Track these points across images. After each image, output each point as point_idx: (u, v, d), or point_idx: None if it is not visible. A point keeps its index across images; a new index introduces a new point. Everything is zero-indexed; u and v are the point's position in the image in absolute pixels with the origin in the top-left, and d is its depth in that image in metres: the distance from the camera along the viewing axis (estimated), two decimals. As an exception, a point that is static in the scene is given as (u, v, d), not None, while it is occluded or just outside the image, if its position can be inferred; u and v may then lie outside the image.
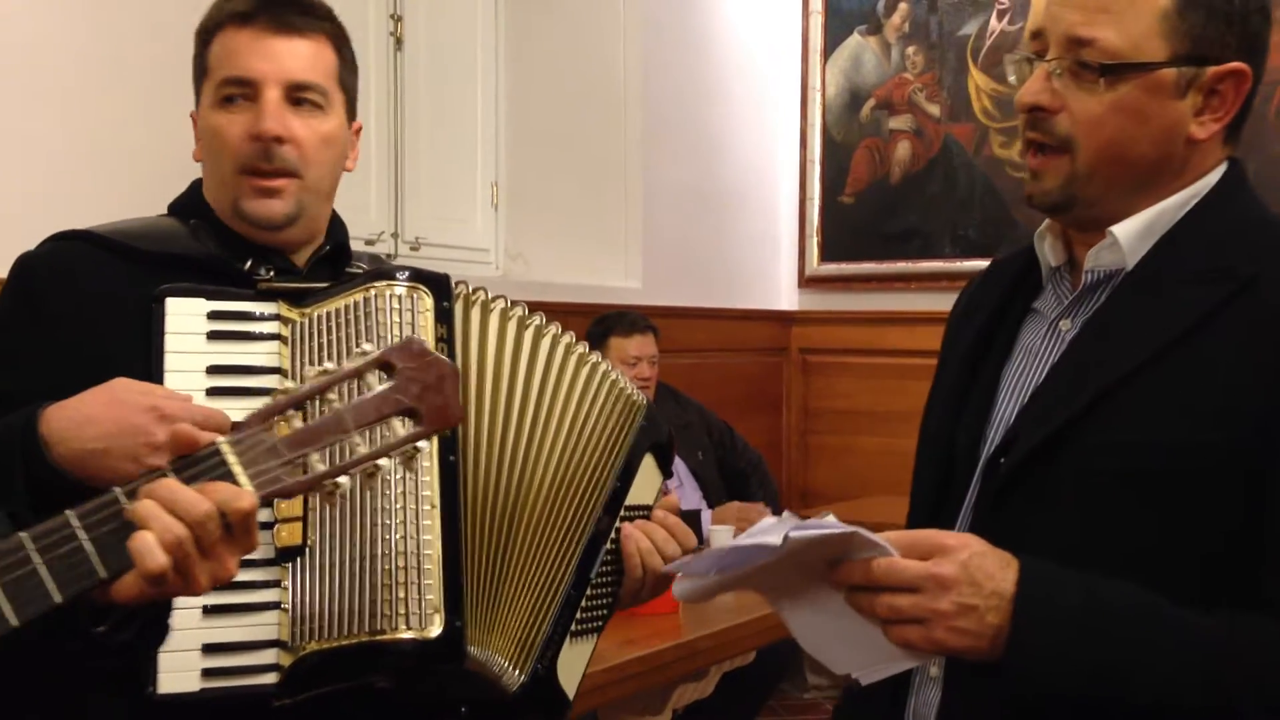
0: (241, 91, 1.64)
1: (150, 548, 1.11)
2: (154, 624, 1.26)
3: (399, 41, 4.51)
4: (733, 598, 3.41)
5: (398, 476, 1.49)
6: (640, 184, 5.09)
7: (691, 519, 3.95)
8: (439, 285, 1.60)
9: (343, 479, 1.16)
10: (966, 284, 1.73)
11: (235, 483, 1.15)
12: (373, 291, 1.56)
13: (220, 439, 1.16)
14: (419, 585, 1.46)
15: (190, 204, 1.73)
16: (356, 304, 1.56)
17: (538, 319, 1.73)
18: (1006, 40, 5.34)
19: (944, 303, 1.85)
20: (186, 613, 1.45)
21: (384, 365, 1.17)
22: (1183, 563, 1.32)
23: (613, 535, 1.72)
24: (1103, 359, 1.39)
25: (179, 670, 1.44)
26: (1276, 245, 1.39)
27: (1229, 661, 1.27)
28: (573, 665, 1.69)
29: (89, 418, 1.43)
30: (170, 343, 1.53)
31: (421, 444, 1.18)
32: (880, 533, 1.30)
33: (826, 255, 5.85)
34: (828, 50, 5.80)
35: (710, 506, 4.21)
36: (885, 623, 1.30)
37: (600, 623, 1.75)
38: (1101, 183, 1.42)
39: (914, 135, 5.60)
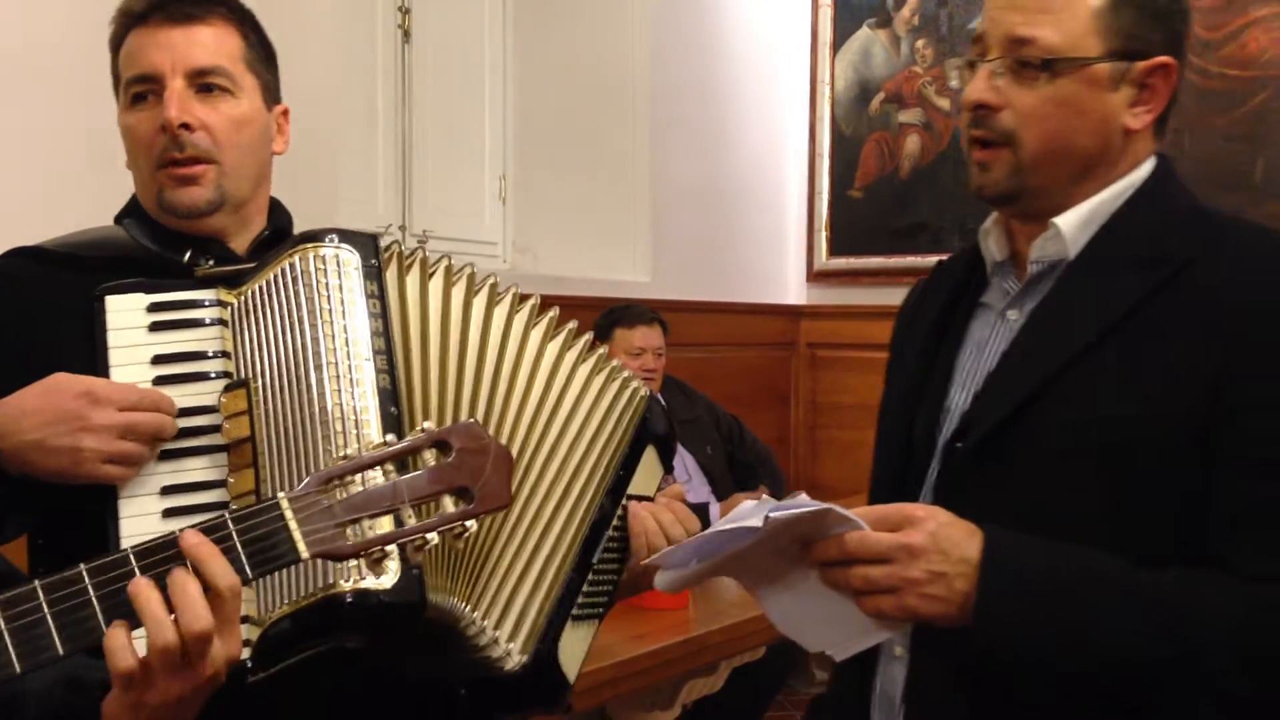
0: (148, 88, 1.65)
1: (123, 647, 1.12)
2: None
3: (407, 34, 4.50)
4: (743, 593, 3.41)
5: (337, 430, 1.49)
6: (649, 177, 5.08)
7: (700, 512, 3.95)
8: (365, 244, 1.61)
9: (390, 548, 1.20)
10: (913, 286, 1.82)
11: (290, 538, 1.18)
12: (297, 256, 1.58)
13: (281, 495, 1.19)
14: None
15: (129, 210, 1.75)
16: (284, 270, 1.57)
17: (490, 282, 1.73)
18: (1016, 33, 5.32)
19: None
20: None
21: (440, 443, 1.23)
22: (1135, 529, 1.40)
23: (615, 523, 1.73)
24: (1051, 343, 1.48)
25: None
26: (1209, 231, 1.48)
27: (1184, 613, 1.34)
28: (574, 649, 1.70)
29: (25, 410, 1.46)
30: (113, 338, 1.55)
31: (470, 524, 1.22)
32: (851, 508, 1.36)
33: (835, 249, 5.83)
34: (837, 43, 5.79)
35: (719, 500, 4.20)
36: (859, 594, 1.36)
37: (602, 609, 1.76)
38: (1046, 172, 1.51)
39: (923, 129, 5.58)
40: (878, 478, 1.69)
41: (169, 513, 1.49)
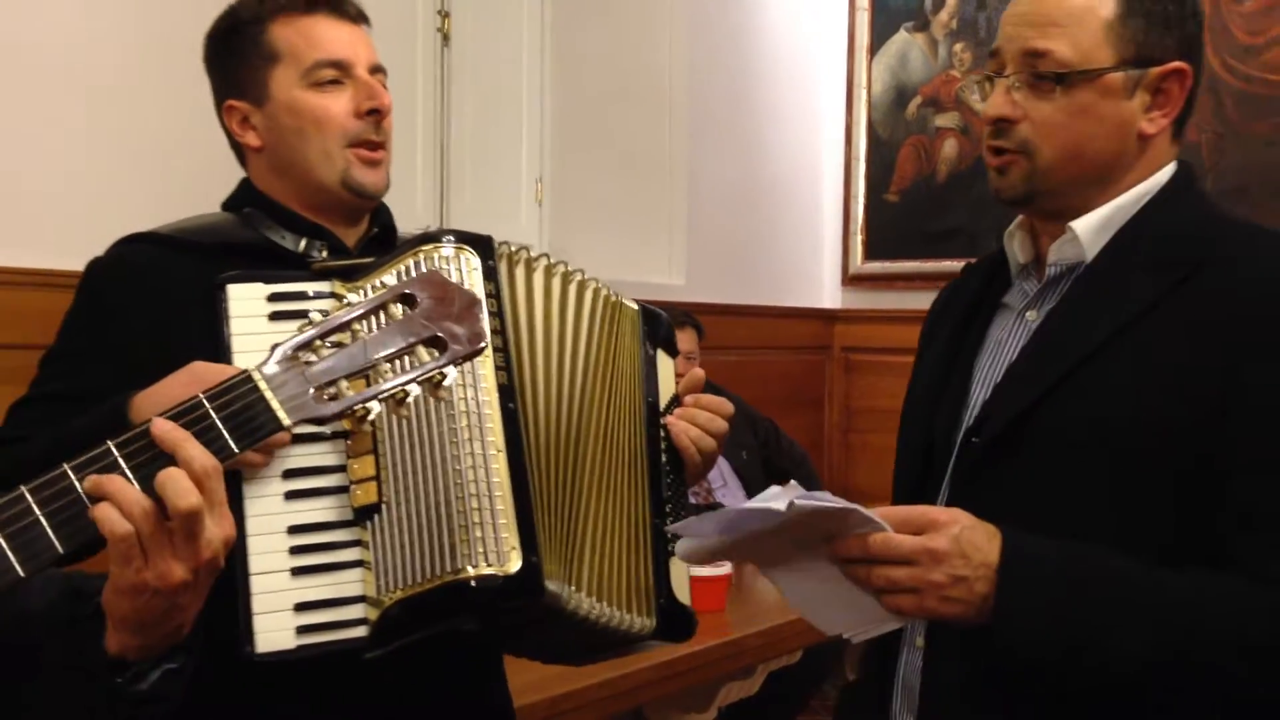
0: (335, 75, 1.75)
1: (114, 515, 1.10)
2: (175, 674, 1.25)
3: (446, 38, 4.51)
4: (781, 597, 3.41)
5: (463, 425, 1.56)
6: (685, 180, 5.09)
7: (735, 517, 3.95)
8: (484, 245, 1.66)
9: (373, 405, 1.18)
10: (941, 290, 1.88)
11: (269, 408, 1.16)
12: (420, 256, 1.62)
13: (250, 368, 1.17)
14: (494, 525, 1.53)
15: (243, 198, 1.82)
16: (406, 269, 1.61)
17: (580, 274, 1.79)
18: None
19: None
20: (275, 576, 1.52)
21: (405, 297, 1.20)
22: (1139, 522, 1.44)
23: (662, 446, 1.79)
24: (1065, 343, 1.52)
25: (275, 630, 1.50)
26: (1222, 236, 1.53)
27: (1199, 614, 1.37)
28: (681, 574, 1.79)
29: (174, 398, 1.47)
30: (235, 326, 1.58)
31: (449, 370, 1.20)
32: (873, 508, 1.40)
33: (870, 253, 5.82)
34: (874, 47, 5.78)
35: (753, 504, 4.19)
36: (880, 592, 1.40)
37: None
38: (1061, 177, 1.55)
39: (960, 133, 5.57)
40: (900, 475, 1.73)
41: (290, 495, 1.55)
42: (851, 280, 5.87)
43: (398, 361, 1.18)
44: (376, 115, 1.76)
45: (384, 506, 1.55)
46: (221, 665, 1.44)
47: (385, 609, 1.52)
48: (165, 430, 1.13)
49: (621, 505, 1.74)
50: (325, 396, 1.17)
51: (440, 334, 1.19)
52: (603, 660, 1.91)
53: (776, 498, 1.37)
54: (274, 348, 1.17)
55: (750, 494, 4.24)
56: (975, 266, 1.80)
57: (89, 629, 1.19)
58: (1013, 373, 1.57)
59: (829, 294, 5.91)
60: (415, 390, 1.18)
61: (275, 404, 1.16)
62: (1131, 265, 1.53)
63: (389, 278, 1.58)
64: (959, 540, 1.39)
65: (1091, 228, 1.56)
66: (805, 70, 5.71)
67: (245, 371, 1.16)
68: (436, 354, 1.19)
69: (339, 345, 1.18)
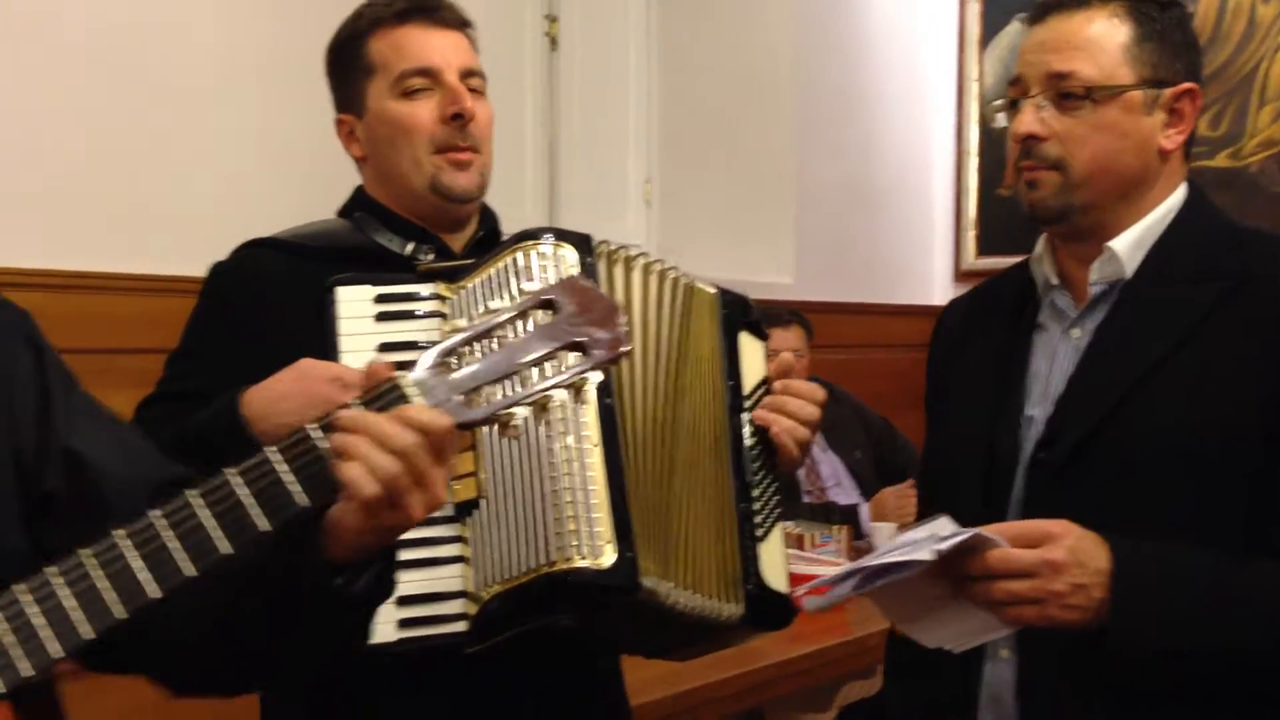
0: (424, 83, 1.79)
1: (360, 476, 1.16)
2: (381, 579, 1.31)
3: (554, 41, 4.55)
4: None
5: (559, 418, 1.58)
6: (794, 178, 5.07)
7: (849, 514, 3.93)
8: (582, 242, 1.69)
9: (518, 410, 1.21)
10: (947, 310, 1.96)
11: None
12: (519, 253, 1.64)
13: (399, 375, 1.21)
14: (589, 519, 1.55)
15: (355, 204, 1.89)
16: (506, 266, 1.64)
17: (674, 270, 1.80)
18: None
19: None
20: None
21: (546, 303, 1.22)
22: (1212, 530, 1.52)
23: (749, 429, 1.79)
24: (1124, 357, 1.61)
25: (379, 622, 1.51)
26: (1253, 246, 1.64)
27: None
28: (774, 561, 1.78)
29: (281, 395, 1.56)
30: (343, 326, 1.64)
31: (591, 375, 1.22)
32: (982, 526, 1.47)
33: (983, 249, 5.74)
34: (985, 39, 5.69)
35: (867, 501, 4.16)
36: (999, 605, 1.46)
37: (778, 510, 1.81)
38: (1093, 191, 1.64)
39: (1074, 124, 5.46)
40: (960, 491, 1.74)
41: None
42: (964, 276, 5.79)
43: (540, 367, 1.21)
44: (461, 120, 1.79)
45: (483, 502, 1.59)
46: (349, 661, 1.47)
47: (484, 603, 1.56)
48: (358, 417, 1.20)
49: (707, 492, 1.74)
50: (471, 401, 1.20)
51: (582, 338, 1.21)
52: (704, 654, 1.90)
53: (916, 547, 1.43)
54: (424, 351, 1.21)
55: (864, 493, 4.22)
56: (992, 288, 1.89)
57: (307, 542, 1.24)
58: (1076, 389, 1.64)
59: (940, 290, 5.83)
60: (561, 395, 1.21)
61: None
62: (1174, 279, 1.63)
63: (488, 275, 1.64)
64: (1074, 550, 1.46)
65: (1128, 245, 1.65)
66: (915, 64, 5.65)
67: (394, 378, 1.21)
68: (580, 357, 1.21)
69: (484, 351, 1.21)
